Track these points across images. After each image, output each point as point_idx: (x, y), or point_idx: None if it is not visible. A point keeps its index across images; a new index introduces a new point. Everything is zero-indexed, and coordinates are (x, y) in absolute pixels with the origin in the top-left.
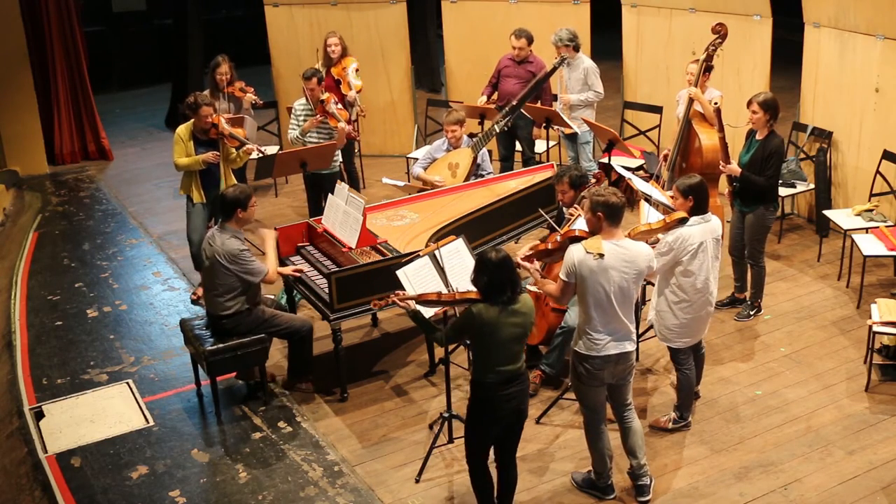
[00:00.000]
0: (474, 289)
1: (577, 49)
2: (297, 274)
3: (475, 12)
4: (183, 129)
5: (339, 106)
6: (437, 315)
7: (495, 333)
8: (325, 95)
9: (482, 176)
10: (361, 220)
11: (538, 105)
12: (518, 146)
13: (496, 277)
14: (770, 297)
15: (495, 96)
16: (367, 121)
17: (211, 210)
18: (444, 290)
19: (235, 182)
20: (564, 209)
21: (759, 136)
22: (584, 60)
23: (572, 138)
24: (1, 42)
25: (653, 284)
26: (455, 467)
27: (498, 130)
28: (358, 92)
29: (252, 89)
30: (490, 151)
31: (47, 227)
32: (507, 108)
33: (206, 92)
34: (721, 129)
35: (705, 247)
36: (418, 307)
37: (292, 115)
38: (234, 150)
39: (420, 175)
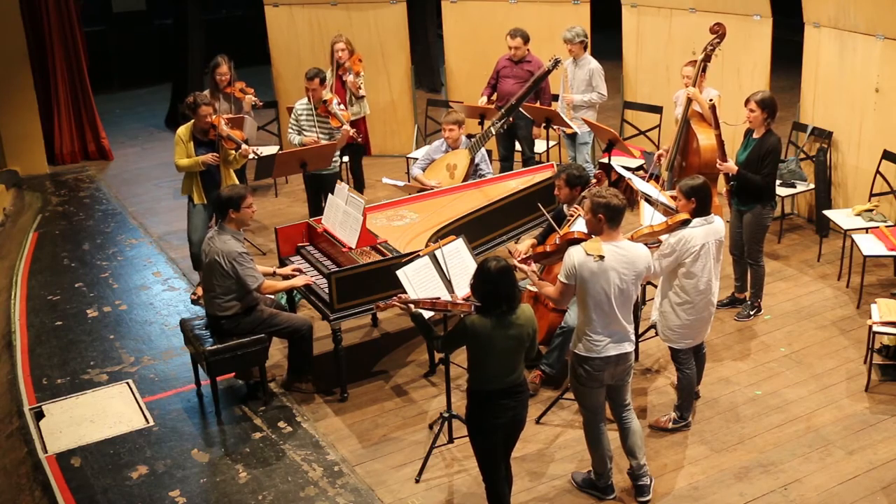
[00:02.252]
0: (469, 293)
1: (586, 48)
2: (295, 285)
3: (475, 12)
4: (183, 130)
5: (343, 108)
6: (436, 316)
7: (490, 345)
8: (328, 96)
9: (482, 176)
10: (361, 220)
11: (537, 105)
12: (518, 146)
13: (495, 288)
14: (770, 297)
15: (495, 96)
16: (367, 121)
17: (212, 211)
18: (443, 294)
19: (236, 182)
20: (564, 208)
21: (756, 135)
22: (591, 61)
23: (573, 138)
24: (1, 42)
25: (654, 285)
26: (455, 467)
27: (495, 131)
28: (358, 74)
29: (252, 91)
30: (490, 151)
31: (47, 227)
32: (504, 109)
33: (207, 92)
34: (717, 127)
35: (708, 248)
36: (419, 310)
37: (292, 116)
38: (232, 151)
39: (417, 177)
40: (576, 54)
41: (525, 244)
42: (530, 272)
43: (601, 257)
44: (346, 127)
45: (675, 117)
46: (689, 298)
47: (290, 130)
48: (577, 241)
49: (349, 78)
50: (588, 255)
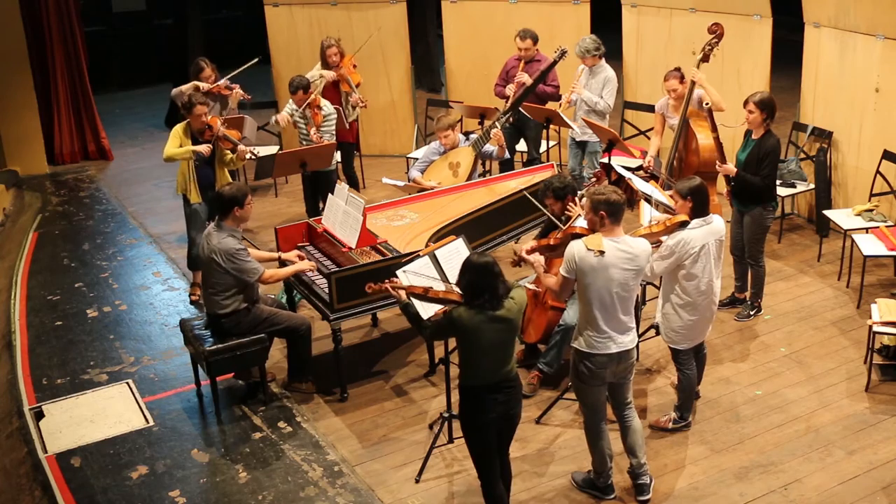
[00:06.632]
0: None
1: (601, 57)
2: (300, 270)
3: (475, 12)
4: (181, 127)
5: (318, 108)
6: (438, 314)
7: (478, 338)
8: (312, 97)
9: (486, 155)
10: (361, 220)
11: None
12: (520, 146)
13: (476, 280)
14: (770, 297)
15: (510, 89)
16: (367, 121)
17: (208, 209)
18: (436, 287)
19: (231, 181)
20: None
21: (755, 136)
22: (606, 70)
23: (583, 147)
24: (1, 42)
25: (654, 285)
26: (455, 467)
27: (499, 127)
28: (357, 85)
29: (237, 86)
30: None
31: (47, 227)
32: (508, 105)
33: (192, 84)
34: (714, 130)
35: (708, 249)
36: (412, 300)
37: (288, 104)
38: (228, 152)
39: (416, 179)
40: (591, 64)
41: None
42: (537, 263)
43: (601, 252)
44: (314, 132)
45: (671, 126)
46: (691, 299)
47: (282, 113)
48: (579, 236)
49: (354, 97)
50: (588, 249)
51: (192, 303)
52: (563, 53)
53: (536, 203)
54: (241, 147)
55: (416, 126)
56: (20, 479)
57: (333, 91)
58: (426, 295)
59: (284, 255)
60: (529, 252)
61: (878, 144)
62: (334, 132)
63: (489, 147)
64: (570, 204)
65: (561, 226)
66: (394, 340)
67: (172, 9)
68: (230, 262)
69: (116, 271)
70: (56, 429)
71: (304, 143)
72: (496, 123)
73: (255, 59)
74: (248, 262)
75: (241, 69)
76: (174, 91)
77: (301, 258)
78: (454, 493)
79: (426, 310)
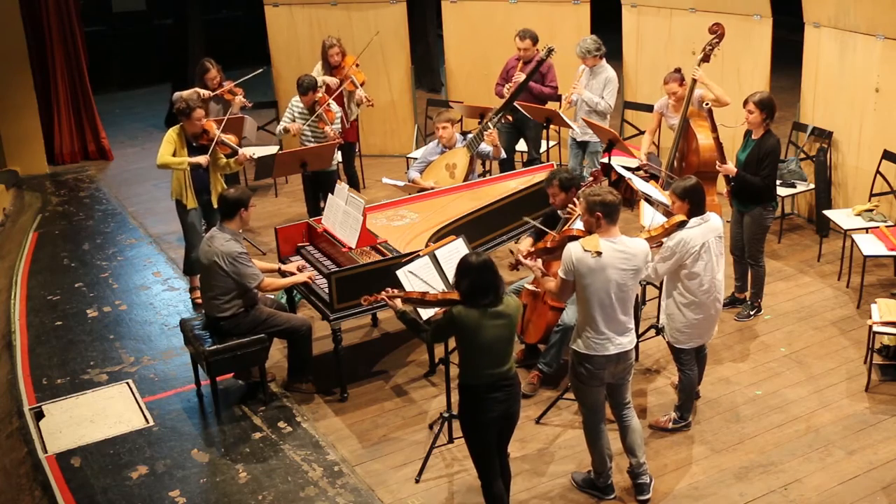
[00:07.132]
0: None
1: (602, 57)
2: (297, 282)
3: (475, 12)
4: (175, 133)
5: (328, 106)
6: (438, 314)
7: (478, 335)
8: (319, 96)
9: (481, 154)
10: (361, 220)
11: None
12: (520, 146)
13: (477, 281)
14: (770, 297)
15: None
16: (367, 121)
17: (203, 214)
18: (433, 290)
19: (224, 187)
20: (560, 212)
21: (754, 136)
22: (607, 70)
23: (583, 147)
24: (1, 42)
25: (654, 285)
26: (455, 467)
27: (492, 127)
28: (362, 84)
29: (241, 91)
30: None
31: (47, 227)
32: (503, 104)
33: (193, 92)
34: (714, 129)
35: (708, 247)
36: (407, 307)
37: (288, 108)
38: (223, 156)
39: (415, 179)
40: (592, 65)
41: (525, 243)
42: (535, 268)
43: (598, 253)
44: (328, 129)
45: (671, 126)
46: (695, 298)
47: (283, 120)
48: (576, 238)
49: (359, 93)
50: (585, 250)
51: (195, 307)
52: (549, 51)
53: (539, 225)
54: (241, 152)
55: (416, 126)
56: (20, 479)
57: (338, 97)
58: (423, 299)
59: (284, 268)
60: (527, 256)
61: (878, 144)
62: (340, 130)
63: (484, 147)
64: (570, 205)
65: (553, 233)
66: (394, 340)
67: (172, 9)
68: (232, 265)
69: (116, 271)
70: (56, 429)
71: (312, 141)
72: (489, 124)
73: (260, 70)
74: (250, 267)
75: (245, 78)
76: (175, 95)
77: (301, 269)
78: (454, 492)
79: (426, 311)
